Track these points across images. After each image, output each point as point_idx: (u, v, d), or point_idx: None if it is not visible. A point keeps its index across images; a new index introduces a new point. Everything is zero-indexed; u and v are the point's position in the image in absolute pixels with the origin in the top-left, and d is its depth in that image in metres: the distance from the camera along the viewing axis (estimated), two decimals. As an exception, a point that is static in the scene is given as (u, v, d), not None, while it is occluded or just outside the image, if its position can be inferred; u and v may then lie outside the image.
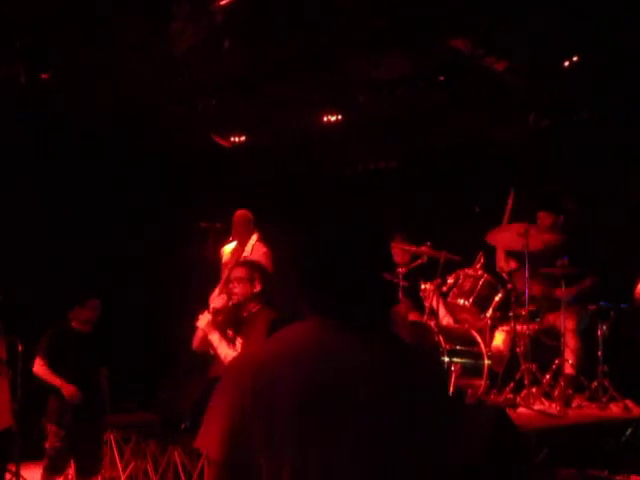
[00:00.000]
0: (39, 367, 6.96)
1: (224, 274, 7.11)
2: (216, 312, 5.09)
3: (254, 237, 7.39)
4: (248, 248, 7.39)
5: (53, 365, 6.96)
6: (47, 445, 6.92)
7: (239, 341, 4.94)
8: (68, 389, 6.83)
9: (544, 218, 6.90)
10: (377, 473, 1.78)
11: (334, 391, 1.79)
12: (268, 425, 1.77)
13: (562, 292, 6.39)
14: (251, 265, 5.25)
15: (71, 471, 7.11)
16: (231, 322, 5.16)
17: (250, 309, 5.21)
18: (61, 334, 7.22)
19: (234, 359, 1.97)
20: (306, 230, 2.00)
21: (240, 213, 7.60)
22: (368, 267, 1.93)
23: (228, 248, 7.59)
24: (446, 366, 6.38)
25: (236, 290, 5.04)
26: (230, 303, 5.18)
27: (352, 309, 1.91)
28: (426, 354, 2.16)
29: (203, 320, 5.08)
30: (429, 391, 1.90)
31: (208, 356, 5.41)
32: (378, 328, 1.95)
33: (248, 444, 1.77)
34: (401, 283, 7.02)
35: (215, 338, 4.95)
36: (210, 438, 1.82)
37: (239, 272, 5.10)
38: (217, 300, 5.30)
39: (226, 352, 4.88)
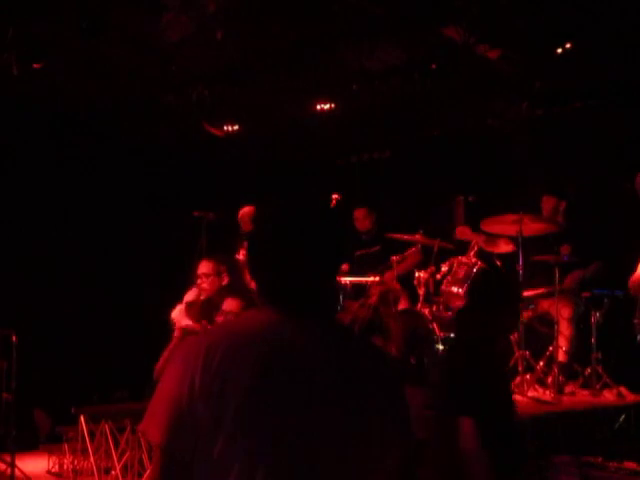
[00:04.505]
0: None
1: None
2: (189, 305, 5.05)
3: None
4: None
5: None
6: None
7: None
8: None
9: (547, 202, 6.93)
10: (328, 453, 1.79)
11: (284, 375, 1.80)
12: (218, 408, 1.75)
13: (569, 281, 6.44)
14: (217, 259, 5.22)
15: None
16: (205, 314, 5.13)
17: (220, 301, 5.17)
18: None
19: (184, 342, 1.94)
20: (260, 221, 2.02)
21: (245, 210, 7.69)
22: (318, 260, 1.93)
23: None
24: (440, 353, 6.38)
25: (204, 285, 5.03)
26: (201, 297, 5.14)
27: (300, 298, 1.92)
28: (367, 338, 2.19)
29: (176, 311, 5.06)
30: (374, 371, 1.94)
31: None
32: (324, 315, 1.96)
33: (193, 428, 1.75)
34: (396, 272, 7.04)
35: (189, 324, 4.93)
36: (155, 422, 1.79)
37: (205, 268, 5.08)
38: (189, 294, 5.23)
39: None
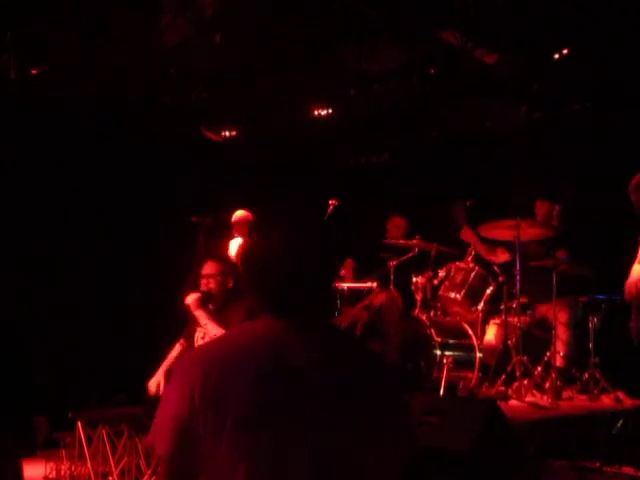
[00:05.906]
0: None
1: None
2: (205, 295, 5.03)
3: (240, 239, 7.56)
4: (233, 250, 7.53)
5: None
6: None
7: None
8: None
9: (540, 207, 6.93)
10: (327, 463, 1.83)
11: (283, 382, 1.85)
12: (218, 419, 1.82)
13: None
14: (224, 261, 5.22)
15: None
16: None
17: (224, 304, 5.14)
18: None
19: (185, 355, 2.02)
20: (258, 234, 2.06)
21: (240, 215, 7.70)
22: (315, 270, 1.98)
23: (235, 242, 7.75)
24: (438, 359, 6.39)
25: (211, 286, 5.02)
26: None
27: (299, 307, 1.96)
28: (366, 346, 2.21)
29: (190, 297, 5.04)
30: (373, 376, 1.97)
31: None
32: (323, 325, 2.01)
33: (196, 440, 1.83)
34: (392, 276, 7.03)
35: (202, 315, 4.92)
36: (160, 436, 1.88)
37: (210, 269, 5.06)
38: (190, 298, 5.19)
39: (216, 330, 4.85)
